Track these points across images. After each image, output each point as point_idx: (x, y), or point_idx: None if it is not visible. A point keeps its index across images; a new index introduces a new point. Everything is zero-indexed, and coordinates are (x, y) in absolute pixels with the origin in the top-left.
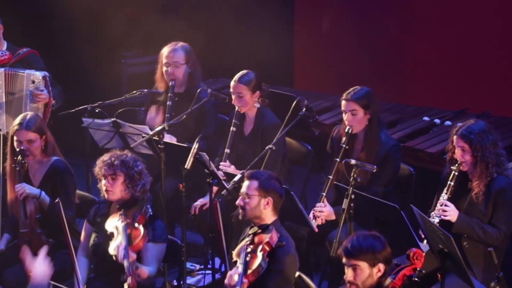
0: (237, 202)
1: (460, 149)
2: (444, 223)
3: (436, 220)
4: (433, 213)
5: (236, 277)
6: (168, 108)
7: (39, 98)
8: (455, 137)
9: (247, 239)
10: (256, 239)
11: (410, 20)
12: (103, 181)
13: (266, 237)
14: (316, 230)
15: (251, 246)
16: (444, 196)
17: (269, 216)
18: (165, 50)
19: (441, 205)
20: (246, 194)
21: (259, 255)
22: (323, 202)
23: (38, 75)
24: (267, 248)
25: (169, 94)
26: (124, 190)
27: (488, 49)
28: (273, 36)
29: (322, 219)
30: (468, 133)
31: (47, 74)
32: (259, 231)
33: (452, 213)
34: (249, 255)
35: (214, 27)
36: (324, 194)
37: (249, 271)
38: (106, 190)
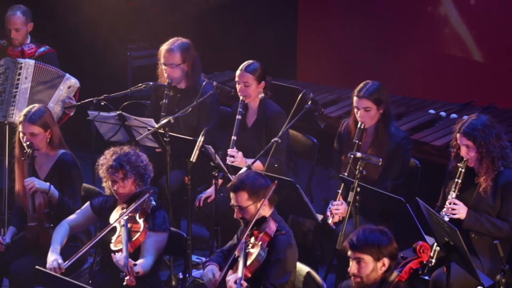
0: (235, 216)
1: (464, 146)
2: (454, 221)
3: (446, 219)
4: (442, 212)
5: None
6: (164, 106)
7: (69, 110)
8: (458, 135)
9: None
10: (255, 232)
11: (415, 12)
12: (115, 187)
13: (264, 228)
14: (319, 219)
15: (250, 239)
16: (452, 194)
17: (266, 210)
18: (162, 49)
19: (450, 204)
20: (240, 207)
21: (258, 245)
22: (339, 200)
23: (76, 82)
24: (266, 238)
25: (165, 92)
26: (135, 188)
27: (494, 41)
28: (276, 28)
29: (339, 217)
30: (471, 130)
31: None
32: (256, 225)
33: (461, 211)
34: (248, 248)
35: (218, 20)
36: (340, 191)
37: (249, 262)
38: (118, 193)
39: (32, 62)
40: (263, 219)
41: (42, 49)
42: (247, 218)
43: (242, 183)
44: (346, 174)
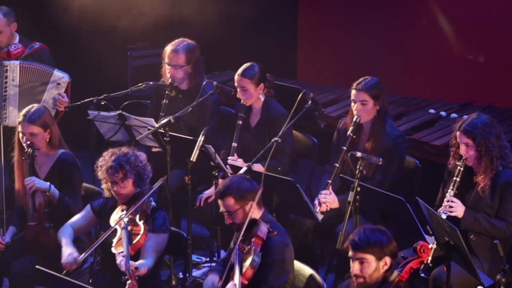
0: (225, 222)
1: (464, 145)
2: (451, 219)
3: (444, 217)
4: (440, 210)
5: None
6: (164, 106)
7: (61, 106)
8: (458, 133)
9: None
10: (247, 236)
11: (415, 12)
12: (115, 188)
13: (255, 232)
14: (319, 219)
15: (244, 245)
16: (450, 192)
17: (256, 213)
18: (167, 49)
19: (448, 202)
20: (229, 213)
21: (252, 251)
22: (328, 189)
23: (65, 78)
24: (259, 242)
25: (166, 92)
26: (135, 189)
27: (494, 41)
28: (276, 28)
29: (327, 206)
30: (472, 128)
31: (70, 79)
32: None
33: (458, 209)
34: (242, 254)
35: (218, 20)
36: (330, 181)
37: (244, 269)
38: (119, 194)
39: (16, 63)
40: (253, 222)
41: (32, 46)
42: (237, 223)
43: (227, 189)
44: (337, 164)
